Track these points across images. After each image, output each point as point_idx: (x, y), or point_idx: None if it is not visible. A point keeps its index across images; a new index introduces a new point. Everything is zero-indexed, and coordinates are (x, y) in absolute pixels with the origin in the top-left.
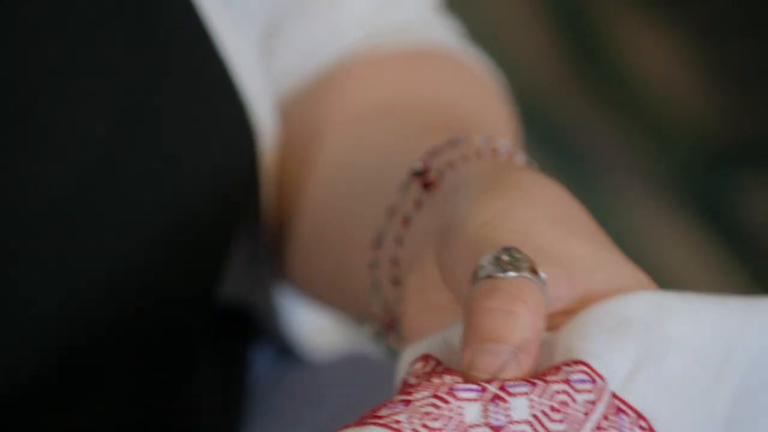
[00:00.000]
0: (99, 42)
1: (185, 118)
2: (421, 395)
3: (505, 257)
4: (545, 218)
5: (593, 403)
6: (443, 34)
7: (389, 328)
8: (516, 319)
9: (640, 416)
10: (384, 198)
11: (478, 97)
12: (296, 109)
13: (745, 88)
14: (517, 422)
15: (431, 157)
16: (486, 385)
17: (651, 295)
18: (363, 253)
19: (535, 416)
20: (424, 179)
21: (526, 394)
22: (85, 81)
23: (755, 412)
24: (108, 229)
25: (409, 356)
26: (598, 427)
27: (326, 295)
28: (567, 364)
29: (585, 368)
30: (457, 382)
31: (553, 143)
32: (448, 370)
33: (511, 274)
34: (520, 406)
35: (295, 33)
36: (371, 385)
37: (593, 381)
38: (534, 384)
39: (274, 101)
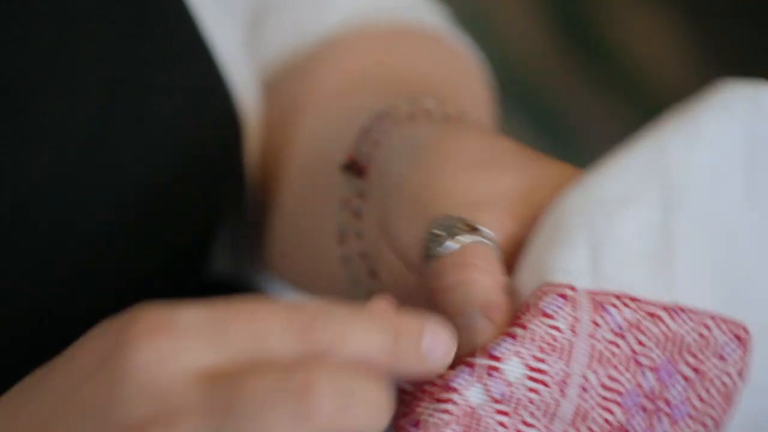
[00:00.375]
0: (86, 28)
1: (170, 101)
2: (425, 407)
3: (439, 230)
4: (467, 168)
5: (575, 318)
6: (427, 15)
7: None
8: (470, 287)
9: (622, 296)
10: (340, 186)
11: (454, 72)
12: (282, 88)
13: (738, 68)
14: (518, 382)
15: (360, 140)
16: (473, 360)
17: (575, 192)
18: (333, 247)
19: (530, 367)
20: (355, 170)
21: (514, 353)
22: (70, 66)
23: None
24: (94, 206)
25: None
26: (592, 336)
27: (310, 284)
28: (536, 296)
29: (551, 289)
30: (449, 376)
31: (546, 124)
32: None
33: (451, 244)
34: (513, 367)
35: (282, 14)
36: None
37: (564, 296)
38: (515, 336)
39: (261, 81)
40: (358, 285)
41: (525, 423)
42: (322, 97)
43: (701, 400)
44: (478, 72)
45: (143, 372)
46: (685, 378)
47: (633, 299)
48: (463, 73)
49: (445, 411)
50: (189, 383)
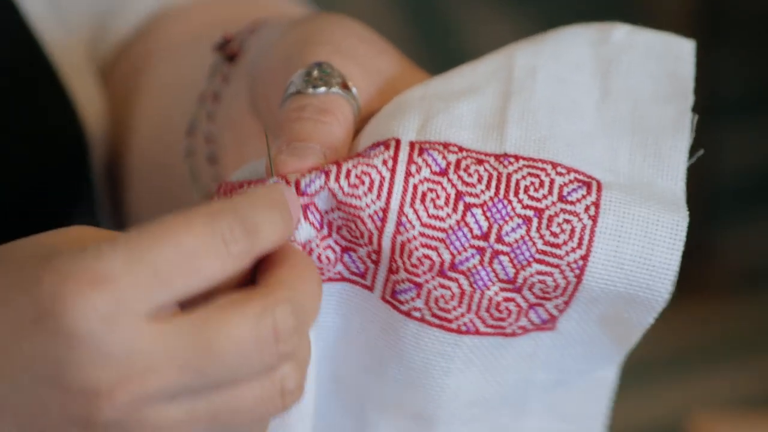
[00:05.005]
0: None
1: (16, 122)
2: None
3: (316, 73)
4: (354, 36)
5: (394, 158)
6: None
7: None
8: (323, 126)
9: (448, 144)
10: (194, 95)
11: (281, 9)
12: (123, 56)
13: None
14: (331, 213)
15: (232, 37)
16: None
17: (420, 86)
18: (180, 142)
19: (339, 201)
20: (227, 51)
21: (322, 188)
22: None
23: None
24: None
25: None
26: (410, 174)
27: (154, 209)
28: (359, 148)
29: (377, 142)
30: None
31: None
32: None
33: (321, 89)
34: (323, 198)
35: (124, 6)
36: None
37: (386, 144)
38: (327, 171)
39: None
40: (196, 180)
41: (347, 246)
42: (169, 48)
43: (545, 241)
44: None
45: (94, 336)
46: (521, 217)
47: (455, 145)
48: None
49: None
50: (146, 338)
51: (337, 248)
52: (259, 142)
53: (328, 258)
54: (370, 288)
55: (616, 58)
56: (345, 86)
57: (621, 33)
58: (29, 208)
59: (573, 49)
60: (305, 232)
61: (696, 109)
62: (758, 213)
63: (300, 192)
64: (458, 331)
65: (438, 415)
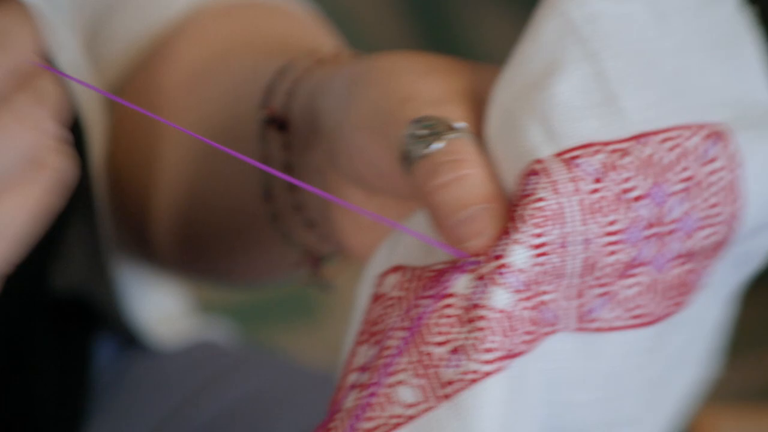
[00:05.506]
0: None
1: None
2: (454, 333)
3: (421, 131)
4: (422, 75)
5: (553, 182)
6: None
7: (316, 266)
8: (468, 180)
9: (586, 146)
10: (244, 147)
11: (301, 30)
12: (139, 74)
13: None
14: (527, 265)
15: (268, 96)
16: (481, 270)
17: (503, 85)
18: (257, 207)
19: (532, 246)
20: (277, 122)
21: (513, 242)
22: None
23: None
24: None
25: (372, 273)
26: (575, 192)
27: (224, 258)
28: (519, 187)
29: (521, 174)
30: (468, 294)
31: None
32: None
33: (437, 145)
34: (519, 255)
35: (126, 10)
36: (217, 372)
37: (535, 172)
38: (506, 230)
39: (109, 78)
40: (289, 239)
41: (544, 294)
42: (185, 76)
43: (707, 205)
44: (325, 27)
45: None
46: (679, 192)
47: (596, 144)
48: (312, 28)
49: (479, 329)
50: None
51: (537, 304)
52: (375, 209)
53: (532, 319)
54: (563, 329)
55: None
56: (451, 128)
57: None
58: None
59: None
60: (501, 298)
61: None
62: None
63: (493, 257)
64: (653, 322)
65: (646, 414)
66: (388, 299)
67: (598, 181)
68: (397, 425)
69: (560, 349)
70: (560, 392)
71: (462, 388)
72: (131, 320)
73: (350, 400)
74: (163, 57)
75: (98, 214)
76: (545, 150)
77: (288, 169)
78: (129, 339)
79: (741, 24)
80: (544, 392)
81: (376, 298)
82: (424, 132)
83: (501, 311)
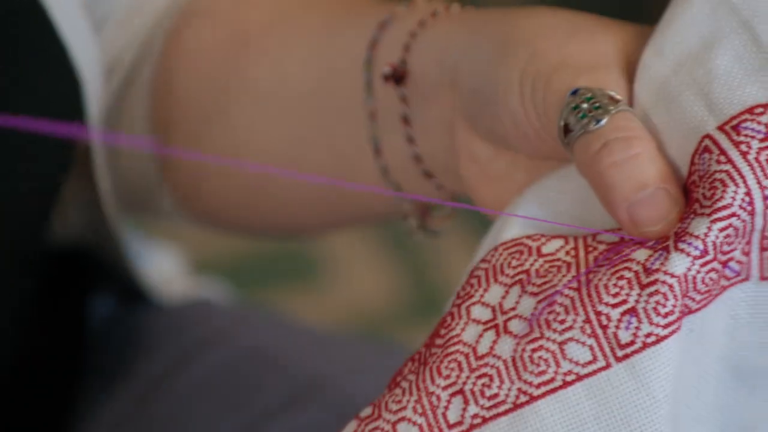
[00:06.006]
0: None
1: (7, 68)
2: (632, 295)
3: (584, 104)
4: (569, 35)
5: (725, 151)
6: None
7: (425, 215)
8: (642, 159)
9: (749, 109)
10: (344, 101)
11: None
12: (196, 24)
13: None
14: (707, 234)
15: (375, 49)
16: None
17: (658, 60)
18: (367, 161)
19: (713, 211)
20: (397, 76)
21: (692, 213)
22: None
23: None
24: None
25: (512, 231)
26: (746, 152)
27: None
28: (693, 157)
29: (695, 152)
30: (646, 260)
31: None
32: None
33: (604, 120)
34: (698, 224)
35: None
36: (216, 328)
37: (707, 150)
38: (690, 207)
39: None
40: (397, 188)
41: (727, 254)
42: (270, 17)
43: None
44: None
45: None
46: None
47: (762, 105)
48: None
49: (658, 293)
50: None
51: (719, 266)
52: (504, 179)
53: (712, 279)
54: (746, 278)
55: None
56: (614, 99)
57: None
58: (15, 151)
59: None
60: (681, 263)
61: None
62: None
63: (694, 237)
64: None
65: None
66: (550, 256)
67: (765, 139)
68: (570, 383)
69: (742, 297)
70: (739, 335)
71: (639, 350)
72: (134, 274)
73: (506, 348)
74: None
75: (98, 171)
76: (711, 123)
77: (405, 120)
78: (128, 296)
79: None
80: (731, 336)
81: (530, 248)
82: (586, 106)
83: (680, 276)
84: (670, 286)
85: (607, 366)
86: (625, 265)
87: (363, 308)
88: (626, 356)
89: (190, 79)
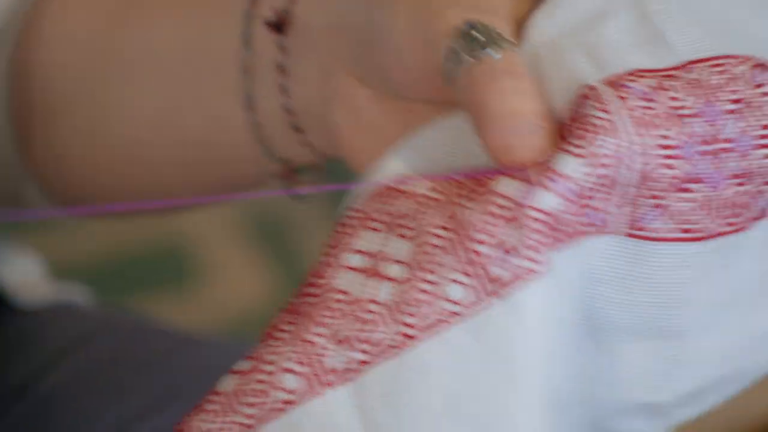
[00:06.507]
0: None
1: None
2: (504, 233)
3: (478, 35)
4: None
5: (602, 101)
6: None
7: (292, 177)
8: (527, 94)
9: (634, 72)
10: (221, 63)
11: None
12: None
13: None
14: (580, 175)
15: (254, 3)
16: (531, 175)
17: (556, 18)
18: (236, 116)
19: (583, 155)
20: (277, 23)
21: (565, 153)
22: None
23: None
24: None
25: (387, 171)
26: (624, 108)
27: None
28: (572, 104)
29: (579, 96)
30: (516, 195)
31: None
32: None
33: (494, 52)
34: (572, 165)
35: None
36: (80, 333)
37: (585, 96)
38: (559, 146)
39: None
40: (268, 147)
41: (594, 200)
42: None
43: (760, 124)
44: None
45: None
46: (731, 111)
47: (645, 70)
48: None
49: (527, 227)
50: None
51: (583, 209)
52: (381, 129)
53: (577, 222)
54: (611, 232)
55: None
56: (506, 39)
57: None
58: None
59: None
60: (552, 201)
61: None
62: None
63: (562, 176)
64: (705, 238)
65: (685, 326)
66: (421, 197)
67: (647, 99)
68: (449, 322)
69: (605, 249)
70: (602, 288)
71: (511, 285)
72: None
73: (383, 293)
74: None
75: None
76: (596, 77)
77: (281, 70)
78: None
79: None
80: (586, 286)
81: (401, 192)
82: (479, 36)
83: (549, 213)
84: (540, 222)
85: (484, 303)
86: (497, 201)
87: (237, 308)
88: (500, 292)
89: (51, 66)
